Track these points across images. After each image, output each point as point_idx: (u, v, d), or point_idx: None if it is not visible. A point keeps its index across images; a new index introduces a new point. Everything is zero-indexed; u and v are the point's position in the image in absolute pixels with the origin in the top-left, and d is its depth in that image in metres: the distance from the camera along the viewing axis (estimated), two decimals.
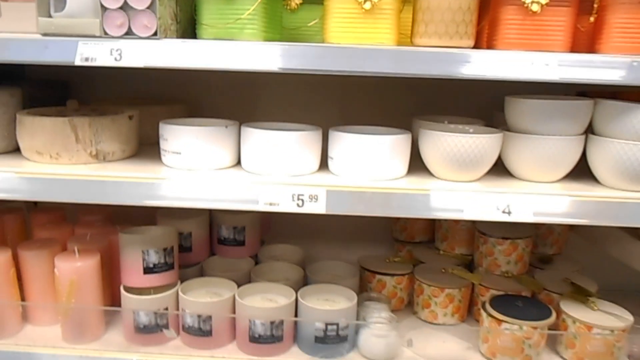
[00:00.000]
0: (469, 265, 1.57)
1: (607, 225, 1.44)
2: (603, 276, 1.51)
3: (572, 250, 1.66)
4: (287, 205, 1.12)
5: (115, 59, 1.08)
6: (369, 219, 1.78)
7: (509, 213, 1.10)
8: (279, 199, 1.12)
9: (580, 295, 1.34)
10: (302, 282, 1.44)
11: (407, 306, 1.53)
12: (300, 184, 1.12)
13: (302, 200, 1.12)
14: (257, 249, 1.59)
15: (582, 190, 1.13)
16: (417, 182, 1.16)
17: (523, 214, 1.10)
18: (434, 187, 1.12)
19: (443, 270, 1.48)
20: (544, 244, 1.60)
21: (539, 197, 1.09)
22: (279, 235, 1.73)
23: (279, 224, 1.78)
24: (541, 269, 1.56)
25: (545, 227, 1.59)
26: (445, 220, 1.60)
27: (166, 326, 1.32)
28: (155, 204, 1.14)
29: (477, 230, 1.51)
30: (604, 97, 1.17)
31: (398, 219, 1.69)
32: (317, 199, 1.12)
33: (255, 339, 1.27)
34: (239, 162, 1.27)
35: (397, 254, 1.66)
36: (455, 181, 1.17)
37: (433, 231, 1.67)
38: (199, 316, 1.28)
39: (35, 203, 1.90)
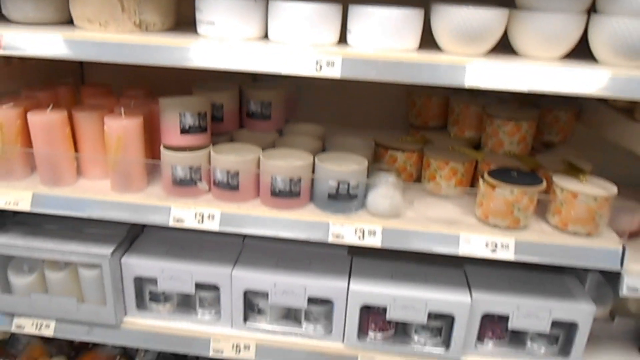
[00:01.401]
0: (477, 147, 1.70)
1: (606, 111, 1.55)
2: (606, 169, 1.59)
3: (577, 140, 1.76)
4: (307, 70, 1.26)
5: None
6: (387, 105, 1.92)
7: (506, 82, 1.21)
8: (300, 64, 1.25)
9: (573, 171, 1.46)
10: (321, 152, 1.60)
11: (415, 181, 1.68)
12: (319, 52, 1.25)
13: (320, 66, 1.25)
14: (282, 124, 1.75)
15: (579, 66, 1.22)
16: (426, 54, 1.27)
17: (518, 84, 1.21)
18: (440, 58, 1.23)
19: (450, 148, 1.62)
20: (549, 132, 1.71)
21: (534, 67, 1.19)
22: (302, 119, 1.87)
23: (303, 109, 1.92)
24: (543, 153, 1.68)
25: (551, 115, 1.69)
26: (458, 105, 1.71)
27: (199, 180, 1.50)
28: (190, 65, 1.29)
29: (485, 113, 1.62)
30: None
31: (414, 104, 1.81)
32: (333, 65, 1.25)
33: (276, 193, 1.45)
34: (266, 36, 1.40)
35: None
36: (461, 55, 1.28)
37: (446, 117, 1.79)
38: (228, 172, 1.46)
39: (83, 80, 2.10)
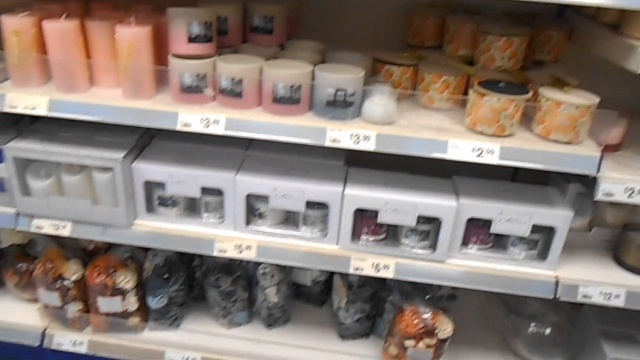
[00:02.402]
0: (470, 64, 1.77)
1: (596, 28, 1.62)
2: (595, 89, 1.64)
3: (569, 60, 1.83)
4: None
5: None
6: (385, 26, 1.99)
7: None
8: None
9: (559, 84, 1.54)
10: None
11: (410, 97, 1.76)
12: None
13: None
14: (283, 39, 1.82)
15: None
16: None
17: None
18: None
19: (444, 63, 1.69)
20: (541, 51, 1.78)
21: None
22: (303, 37, 1.93)
23: (304, 27, 1.99)
24: (534, 70, 1.75)
25: (544, 34, 1.75)
26: (453, 23, 1.78)
27: (206, 87, 1.59)
28: None
29: (479, 30, 1.69)
30: None
31: (411, 24, 1.88)
32: None
33: (277, 100, 1.54)
34: None
35: None
36: None
37: (442, 37, 1.85)
38: (233, 79, 1.55)
39: None
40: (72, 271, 2.00)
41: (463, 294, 2.29)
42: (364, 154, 1.77)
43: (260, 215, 1.76)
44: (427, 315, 1.80)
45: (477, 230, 1.68)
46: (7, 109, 1.64)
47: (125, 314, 2.02)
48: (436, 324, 1.80)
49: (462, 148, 1.49)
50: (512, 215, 1.61)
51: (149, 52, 1.59)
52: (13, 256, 2.15)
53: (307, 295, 2.23)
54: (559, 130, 1.47)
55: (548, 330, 1.98)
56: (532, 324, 2.00)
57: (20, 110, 1.64)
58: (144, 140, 1.85)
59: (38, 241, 2.08)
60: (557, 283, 1.65)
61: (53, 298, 2.02)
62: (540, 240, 1.68)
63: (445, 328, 1.81)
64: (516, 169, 2.01)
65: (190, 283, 2.15)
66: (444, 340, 1.82)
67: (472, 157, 1.48)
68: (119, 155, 1.70)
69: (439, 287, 2.06)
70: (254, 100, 1.60)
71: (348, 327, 2.04)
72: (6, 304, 2.20)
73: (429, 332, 1.80)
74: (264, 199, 1.71)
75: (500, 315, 2.17)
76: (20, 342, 2.09)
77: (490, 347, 2.08)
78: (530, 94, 1.47)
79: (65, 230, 1.84)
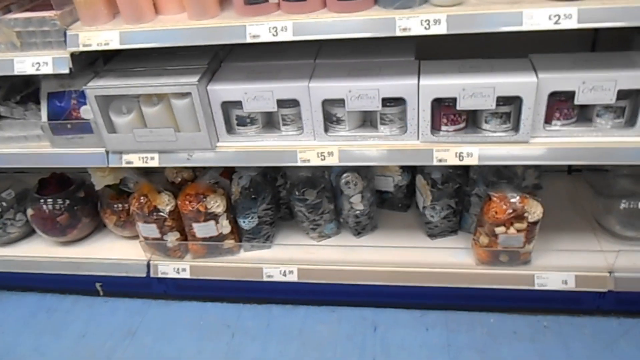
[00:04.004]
0: None
1: None
2: None
3: None
4: None
5: None
6: None
7: None
8: None
9: None
10: None
11: None
12: None
13: None
14: None
15: None
16: None
17: None
18: None
19: None
20: None
21: None
22: None
23: None
24: None
25: None
26: None
27: None
28: None
29: None
30: None
31: None
32: None
33: None
34: None
35: None
36: None
37: None
38: None
39: None
40: (165, 202, 2.11)
41: (547, 183, 2.27)
42: (433, 47, 1.75)
43: (338, 121, 1.78)
44: (515, 200, 1.79)
45: (560, 105, 1.64)
46: (81, 48, 1.71)
47: (220, 237, 2.13)
48: (525, 207, 1.79)
49: (538, 17, 1.43)
50: (596, 83, 1.55)
51: None
52: (107, 198, 2.29)
53: (390, 202, 2.27)
54: None
55: None
56: (623, 201, 1.96)
57: (94, 47, 1.70)
58: (214, 64, 1.90)
59: (129, 180, 2.20)
60: None
61: (152, 230, 2.15)
62: (627, 107, 1.62)
63: (535, 211, 1.80)
64: (594, 42, 1.92)
65: (276, 203, 2.23)
66: (534, 223, 1.82)
67: (549, 25, 1.43)
68: (194, 79, 1.75)
69: (523, 177, 2.05)
70: (318, 2, 1.59)
71: (436, 224, 2.07)
72: (110, 243, 2.38)
73: (519, 216, 1.80)
74: (340, 102, 1.72)
75: (589, 198, 2.14)
76: (129, 275, 2.26)
77: (581, 227, 2.07)
78: None
79: (154, 161, 1.93)
